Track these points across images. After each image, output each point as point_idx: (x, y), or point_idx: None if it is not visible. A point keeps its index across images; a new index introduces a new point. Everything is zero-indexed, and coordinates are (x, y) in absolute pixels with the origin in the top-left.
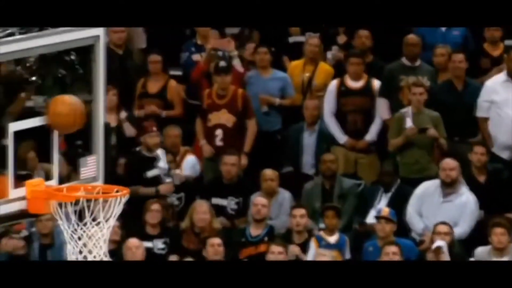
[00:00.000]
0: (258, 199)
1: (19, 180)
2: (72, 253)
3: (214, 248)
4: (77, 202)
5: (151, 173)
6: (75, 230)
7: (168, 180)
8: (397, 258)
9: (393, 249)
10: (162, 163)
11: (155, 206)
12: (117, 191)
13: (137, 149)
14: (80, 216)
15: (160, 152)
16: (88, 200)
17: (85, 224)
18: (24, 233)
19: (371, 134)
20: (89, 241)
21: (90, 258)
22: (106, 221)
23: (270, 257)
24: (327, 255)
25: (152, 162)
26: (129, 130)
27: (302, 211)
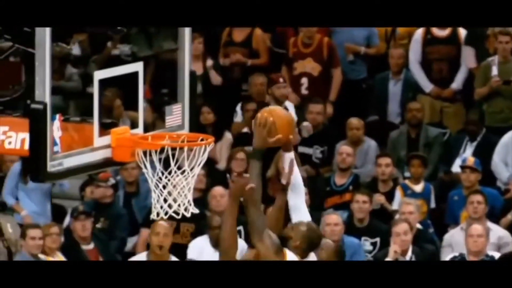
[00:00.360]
0: (344, 148)
1: (105, 128)
2: (156, 202)
3: None
4: (162, 151)
5: None
6: (160, 178)
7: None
8: (482, 207)
9: (478, 198)
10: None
11: (241, 155)
12: (202, 140)
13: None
14: (165, 164)
15: (288, 104)
16: (173, 149)
17: (170, 173)
18: (111, 181)
19: (457, 83)
20: (174, 190)
21: (175, 206)
22: (191, 169)
23: (355, 206)
24: (412, 204)
25: None
26: (215, 79)
27: (387, 160)
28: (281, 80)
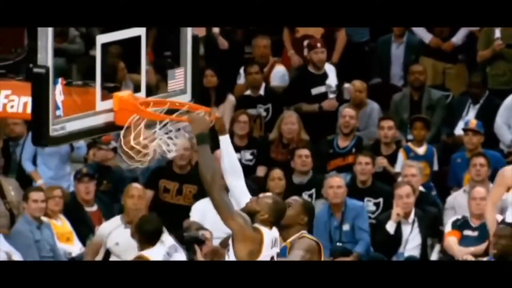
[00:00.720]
0: (347, 110)
1: (107, 92)
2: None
3: (302, 159)
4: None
5: (316, 90)
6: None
7: (332, 96)
8: (485, 169)
9: (480, 160)
10: (330, 80)
11: (243, 117)
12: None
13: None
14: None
15: (328, 68)
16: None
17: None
18: (113, 144)
19: (457, 37)
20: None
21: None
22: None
23: (357, 168)
24: (415, 166)
25: (319, 79)
26: (223, 43)
27: (390, 122)
28: (318, 45)
